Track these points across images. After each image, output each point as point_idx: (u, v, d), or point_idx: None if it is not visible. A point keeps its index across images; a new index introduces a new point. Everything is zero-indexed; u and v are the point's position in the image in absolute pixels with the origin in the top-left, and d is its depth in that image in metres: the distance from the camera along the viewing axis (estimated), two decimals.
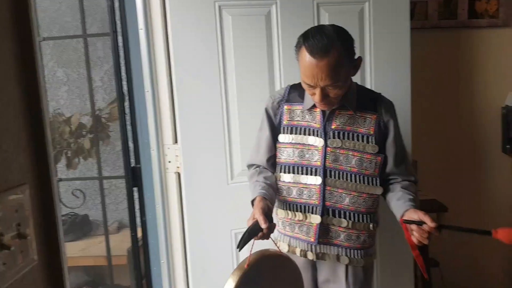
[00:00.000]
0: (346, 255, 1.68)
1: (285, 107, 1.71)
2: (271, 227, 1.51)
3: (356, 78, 2.03)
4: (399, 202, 1.63)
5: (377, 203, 1.70)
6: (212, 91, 2.00)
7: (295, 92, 1.70)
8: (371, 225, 1.68)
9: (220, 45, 1.98)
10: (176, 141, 2.04)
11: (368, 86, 2.09)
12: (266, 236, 1.51)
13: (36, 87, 0.72)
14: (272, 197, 1.67)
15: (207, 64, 1.98)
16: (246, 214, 1.78)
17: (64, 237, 2.26)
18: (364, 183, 1.64)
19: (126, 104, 2.07)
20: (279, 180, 1.73)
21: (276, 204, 1.76)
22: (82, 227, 2.92)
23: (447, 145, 2.80)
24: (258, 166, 1.79)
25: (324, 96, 1.52)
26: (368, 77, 2.10)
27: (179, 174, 2.05)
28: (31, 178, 0.70)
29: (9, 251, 0.61)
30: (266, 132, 1.75)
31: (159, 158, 2.03)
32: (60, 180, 2.31)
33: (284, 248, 1.75)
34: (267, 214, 1.53)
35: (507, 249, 2.89)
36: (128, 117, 2.07)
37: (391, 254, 2.19)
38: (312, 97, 1.57)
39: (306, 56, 1.48)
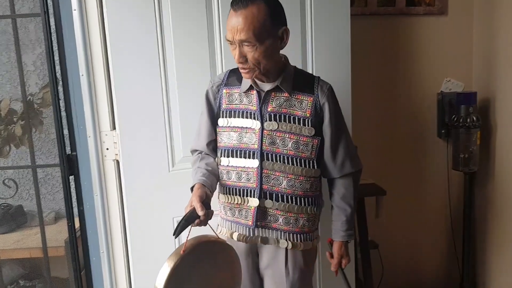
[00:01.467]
0: (285, 239, 1.69)
1: (224, 91, 1.71)
2: (208, 214, 1.53)
3: (297, 63, 2.06)
4: (334, 223, 1.78)
5: (315, 186, 1.71)
6: (151, 75, 1.94)
7: (234, 76, 1.71)
8: (309, 208, 1.69)
9: (159, 25, 1.92)
10: (114, 128, 1.97)
11: (309, 71, 2.10)
12: (203, 223, 1.53)
13: None
14: (212, 183, 1.67)
15: (146, 47, 1.92)
16: (187, 201, 1.76)
17: None
18: (301, 165, 1.65)
19: (60, 89, 1.97)
20: (220, 164, 1.73)
21: (218, 189, 1.76)
22: (16, 218, 2.78)
23: (386, 131, 2.88)
24: (201, 152, 1.78)
25: (241, 55, 1.53)
26: (310, 62, 2.11)
27: (117, 162, 1.99)
28: None
29: None
30: (205, 117, 1.75)
31: (96, 145, 1.97)
32: None
33: (225, 234, 1.75)
34: (205, 201, 1.55)
35: (443, 231, 3.03)
36: (62, 103, 1.97)
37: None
38: (234, 59, 1.57)
39: (230, 13, 1.52)
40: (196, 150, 1.80)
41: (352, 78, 2.18)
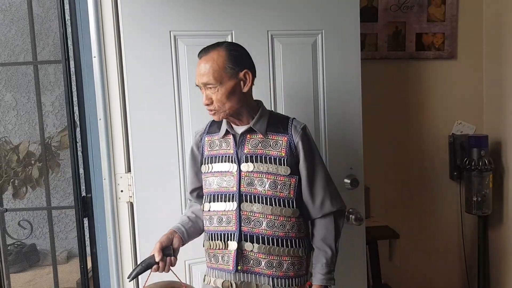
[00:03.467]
0: (268, 284, 1.66)
1: (206, 139, 1.77)
2: (166, 261, 1.60)
3: (309, 107, 2.10)
4: (314, 265, 1.71)
5: (298, 227, 1.68)
6: (166, 120, 1.98)
7: (215, 124, 1.77)
8: (292, 251, 1.66)
9: (175, 74, 1.98)
10: (129, 170, 2.00)
11: (320, 115, 2.13)
12: (162, 269, 1.60)
13: None
14: (189, 231, 1.74)
15: (162, 93, 1.97)
16: (201, 245, 1.77)
17: (10, 268, 2.14)
18: (279, 205, 1.65)
19: (78, 132, 2.02)
20: (203, 210, 1.75)
21: (203, 236, 1.78)
22: (29, 257, 2.81)
23: (398, 173, 2.89)
24: (190, 199, 1.87)
25: (207, 98, 1.62)
26: (322, 106, 2.14)
27: (131, 204, 2.01)
28: None
29: None
30: (189, 167, 1.83)
31: (111, 188, 1.99)
32: (6, 210, 2.21)
33: (210, 282, 1.73)
34: (166, 248, 1.62)
35: (457, 273, 2.98)
36: (79, 145, 2.02)
37: (343, 260, 2.18)
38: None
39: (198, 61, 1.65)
40: (189, 199, 1.89)
41: (363, 122, 2.21)
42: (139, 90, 1.94)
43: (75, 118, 2.01)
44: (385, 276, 2.64)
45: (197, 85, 1.65)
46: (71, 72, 2.00)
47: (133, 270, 1.56)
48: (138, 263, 1.56)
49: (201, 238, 1.80)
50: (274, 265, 1.65)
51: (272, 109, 2.05)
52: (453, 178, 2.89)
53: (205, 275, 1.78)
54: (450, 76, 2.88)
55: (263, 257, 1.65)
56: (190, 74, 1.99)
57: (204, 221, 1.75)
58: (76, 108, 2.02)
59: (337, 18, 2.12)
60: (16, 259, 2.71)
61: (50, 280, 2.51)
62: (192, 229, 1.75)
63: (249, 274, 1.67)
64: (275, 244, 1.64)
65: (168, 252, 1.60)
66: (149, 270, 1.59)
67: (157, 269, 1.59)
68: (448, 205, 2.93)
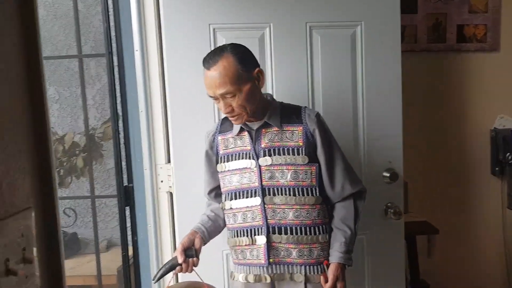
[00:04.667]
0: (301, 273, 1.67)
1: (219, 138, 1.77)
2: (188, 262, 1.62)
3: (347, 100, 2.10)
4: (332, 244, 1.69)
5: (323, 213, 1.70)
6: (205, 112, 2.01)
7: (227, 122, 1.76)
8: (321, 237, 1.68)
9: None
10: (168, 161, 2.04)
11: (359, 108, 2.11)
12: (185, 270, 1.63)
13: (42, 109, 0.73)
14: (211, 229, 1.76)
15: (201, 85, 1.98)
16: None
17: None
18: (303, 195, 1.66)
19: (120, 123, 2.07)
20: (225, 208, 1.76)
21: (227, 234, 1.79)
22: (70, 246, 2.89)
23: (437, 167, 2.84)
24: (208, 199, 1.88)
25: (227, 106, 1.60)
26: (360, 99, 2.12)
27: (171, 194, 2.05)
28: (35, 202, 0.70)
29: (15, 277, 0.61)
30: (204, 167, 1.83)
31: (151, 178, 2.04)
32: None
33: (240, 279, 1.75)
34: (188, 249, 1.65)
35: (498, 271, 2.92)
36: (121, 136, 2.08)
37: (381, 255, 2.17)
38: (221, 110, 1.65)
39: (204, 72, 1.61)
40: (207, 198, 1.90)
41: (403, 114, 2.18)
42: (179, 82, 1.98)
43: (118, 110, 2.07)
44: (423, 272, 2.61)
45: (211, 96, 1.63)
46: (114, 66, 2.06)
47: (158, 272, 1.62)
48: (162, 264, 1.61)
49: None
50: (305, 253, 1.67)
51: (310, 103, 2.05)
52: (494, 173, 2.83)
53: (232, 272, 1.81)
54: (492, 68, 2.81)
55: (293, 246, 1.66)
56: None
57: (226, 219, 1.77)
58: (118, 101, 2.07)
59: (377, 8, 2.09)
60: None
61: (91, 268, 2.59)
62: (212, 228, 1.77)
63: (281, 265, 1.68)
64: (303, 233, 1.66)
65: (190, 253, 1.64)
66: (173, 271, 1.63)
67: (180, 270, 1.63)
68: (489, 201, 2.87)
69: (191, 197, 2.02)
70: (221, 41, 1.99)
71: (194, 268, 1.66)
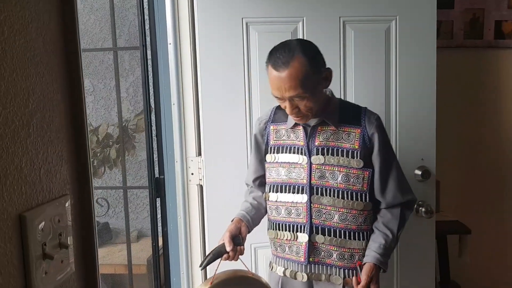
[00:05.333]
0: (339, 275, 1.63)
1: (271, 127, 1.73)
2: (236, 250, 1.58)
3: (380, 97, 2.07)
4: (369, 244, 1.63)
5: (370, 220, 1.65)
6: (236, 107, 2.02)
7: (280, 112, 1.70)
8: (365, 243, 1.63)
9: (246, 61, 2.01)
10: (199, 154, 2.06)
11: (392, 104, 2.09)
12: (232, 258, 1.58)
13: (79, 100, 0.75)
14: (253, 218, 1.72)
15: (233, 80, 2.01)
16: (265, 230, 1.79)
17: None
18: (352, 199, 1.61)
19: (153, 116, 2.10)
20: (268, 199, 1.73)
21: (267, 224, 1.77)
22: (102, 235, 2.95)
23: (471, 167, 2.78)
24: (251, 186, 1.84)
25: (294, 107, 1.54)
26: (393, 95, 2.10)
27: (201, 186, 2.07)
28: (72, 189, 0.72)
29: (51, 261, 0.63)
30: (252, 154, 1.80)
31: (182, 170, 2.06)
32: None
33: (278, 271, 1.73)
34: (235, 237, 1.60)
35: None
36: (153, 129, 2.11)
37: (411, 254, 2.15)
38: (285, 110, 1.58)
39: (271, 71, 1.53)
40: (248, 184, 1.86)
41: (437, 112, 2.14)
42: (211, 76, 1.99)
43: (150, 103, 2.10)
44: (454, 273, 2.56)
45: (276, 96, 1.57)
46: (148, 59, 2.08)
47: (204, 259, 1.58)
48: (208, 252, 1.59)
49: (264, 223, 1.80)
50: (346, 257, 1.63)
51: (342, 98, 2.03)
52: None
53: (271, 262, 1.79)
54: None
55: (335, 249, 1.62)
56: (260, 62, 2.01)
57: (269, 210, 1.74)
58: (151, 93, 2.10)
59: (412, 3, 2.06)
60: None
61: (122, 257, 2.65)
62: (256, 216, 1.74)
63: (319, 266, 1.65)
64: (347, 237, 1.62)
65: (238, 241, 1.61)
66: (219, 259, 1.59)
67: (227, 258, 1.58)
68: None
69: (221, 190, 2.04)
70: (254, 35, 2.00)
71: (240, 256, 1.62)
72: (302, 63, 1.50)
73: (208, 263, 1.57)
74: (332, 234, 1.61)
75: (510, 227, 2.82)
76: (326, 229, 1.62)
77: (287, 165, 1.67)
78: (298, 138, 1.66)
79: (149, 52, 2.08)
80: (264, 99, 2.03)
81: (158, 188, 2.13)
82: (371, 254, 1.61)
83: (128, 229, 2.27)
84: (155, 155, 2.14)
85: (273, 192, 1.71)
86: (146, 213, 3.04)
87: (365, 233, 1.64)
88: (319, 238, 1.63)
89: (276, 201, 1.70)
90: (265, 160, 1.75)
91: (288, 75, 1.49)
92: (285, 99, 1.54)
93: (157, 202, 2.16)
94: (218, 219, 2.04)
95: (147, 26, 2.07)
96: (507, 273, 2.84)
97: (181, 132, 2.04)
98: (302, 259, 1.65)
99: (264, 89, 2.02)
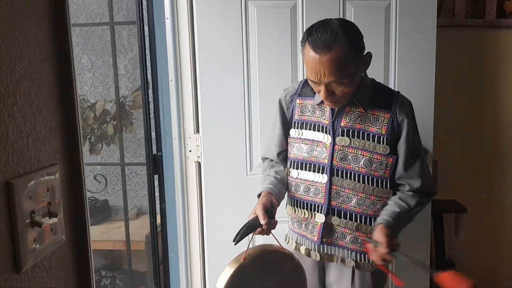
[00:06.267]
0: (352, 258, 1.62)
1: (297, 101, 1.67)
2: (271, 223, 1.50)
3: (379, 75, 2.05)
4: (382, 212, 1.57)
5: None
6: (235, 83, 2.01)
7: (308, 86, 1.62)
8: None
9: (245, 37, 1.99)
10: (197, 131, 2.06)
11: (391, 83, 2.08)
12: (265, 232, 1.50)
13: (69, 72, 0.74)
14: (280, 192, 1.65)
15: (231, 56, 1.99)
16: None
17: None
18: (372, 185, 1.57)
19: (150, 92, 2.09)
20: (289, 175, 1.70)
21: (285, 199, 1.74)
22: (102, 212, 2.97)
23: (469, 146, 2.77)
24: (272, 160, 1.77)
25: (329, 93, 1.47)
26: (392, 74, 2.09)
27: (199, 164, 2.08)
28: (62, 160, 0.72)
29: (40, 229, 0.63)
30: (277, 126, 1.72)
31: (180, 147, 2.06)
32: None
33: (292, 245, 1.74)
34: (268, 210, 1.52)
35: None
36: (151, 106, 2.10)
37: (406, 232, 2.14)
38: (318, 94, 1.53)
39: (309, 51, 1.43)
40: (267, 158, 1.79)
41: (435, 92, 2.13)
42: (209, 52, 1.98)
43: (148, 79, 2.08)
44: (449, 251, 2.58)
45: (311, 80, 1.48)
46: (145, 34, 2.06)
47: (238, 233, 1.50)
48: (242, 225, 1.49)
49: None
50: (359, 241, 1.61)
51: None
52: None
53: (287, 235, 1.78)
54: None
55: (349, 232, 1.61)
56: (259, 38, 2.00)
57: (289, 186, 1.70)
58: (149, 70, 2.09)
59: None
60: (91, 212, 2.88)
61: (121, 234, 2.66)
62: (281, 191, 1.67)
63: (332, 247, 1.64)
64: (363, 222, 1.59)
65: (271, 214, 1.53)
66: (252, 233, 1.52)
67: (261, 232, 1.51)
68: None
69: (219, 168, 2.04)
70: (252, 11, 1.98)
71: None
72: (345, 47, 1.40)
73: (242, 237, 1.49)
74: (348, 217, 1.59)
75: (505, 208, 2.83)
76: (343, 211, 1.59)
77: (310, 142, 1.62)
78: (324, 116, 1.60)
79: (146, 28, 2.06)
80: (263, 75, 2.02)
81: (156, 165, 2.13)
82: (382, 217, 1.55)
83: (126, 206, 2.28)
84: (153, 132, 2.13)
85: (293, 168, 1.67)
86: (145, 191, 3.05)
87: None
88: (335, 220, 1.60)
89: (296, 177, 1.66)
90: (289, 135, 1.69)
91: (329, 60, 1.40)
92: (321, 83, 1.46)
93: (155, 179, 2.16)
94: (216, 197, 2.06)
95: (144, 1, 2.05)
96: (500, 251, 2.87)
97: (179, 109, 2.04)
98: (316, 239, 1.64)
99: (263, 64, 2.01)
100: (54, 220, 0.66)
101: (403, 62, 2.08)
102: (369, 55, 1.52)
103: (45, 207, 0.65)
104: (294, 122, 1.67)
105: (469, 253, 2.79)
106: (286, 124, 1.70)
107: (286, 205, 1.76)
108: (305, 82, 1.66)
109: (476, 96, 2.74)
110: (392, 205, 1.58)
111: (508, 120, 2.76)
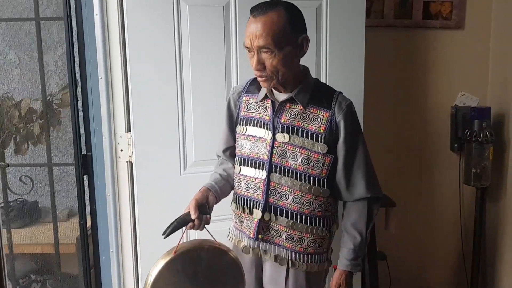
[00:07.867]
0: (285, 257, 1.64)
1: (244, 98, 1.70)
2: (202, 218, 1.53)
3: (311, 72, 2.09)
4: (341, 249, 1.66)
5: (325, 206, 1.63)
6: (167, 81, 1.98)
7: (254, 84, 1.67)
8: (315, 229, 1.62)
9: (177, 34, 1.96)
10: (129, 130, 2.01)
11: (322, 81, 2.12)
12: (197, 227, 1.53)
13: None
14: (222, 189, 1.69)
15: (163, 53, 1.96)
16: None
17: (11, 223, 2.18)
18: (309, 183, 1.58)
19: (79, 90, 2.02)
20: (235, 172, 1.72)
21: (232, 196, 1.76)
22: (31, 214, 2.84)
23: (398, 142, 2.88)
24: (221, 157, 1.81)
25: (260, 62, 1.49)
26: (324, 72, 2.13)
27: (131, 163, 2.03)
28: None
29: None
30: (224, 124, 1.76)
31: (111, 147, 2.01)
32: (8, 165, 2.24)
33: (233, 241, 1.75)
34: (202, 206, 1.55)
35: (453, 244, 3.02)
36: (80, 104, 2.03)
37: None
38: (252, 67, 1.53)
39: (249, 19, 1.50)
40: (218, 156, 1.84)
41: (365, 90, 2.19)
42: (141, 49, 1.94)
43: (76, 76, 2.01)
44: (380, 244, 2.67)
45: (246, 47, 1.51)
46: (73, 30, 1.99)
47: (168, 227, 1.50)
48: (172, 220, 1.51)
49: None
50: (295, 240, 1.62)
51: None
52: (453, 149, 2.89)
53: (229, 232, 1.78)
54: (456, 46, 2.84)
55: (285, 230, 1.62)
56: (191, 36, 1.98)
57: (234, 182, 1.73)
58: (77, 66, 2.02)
59: None
60: (18, 215, 2.75)
61: (51, 236, 2.56)
62: (224, 188, 1.71)
63: (268, 244, 1.65)
64: (298, 220, 1.60)
65: (204, 210, 1.55)
66: (183, 227, 1.54)
67: (192, 227, 1.53)
68: (447, 176, 2.94)
69: (152, 167, 2.01)
70: (184, 8, 1.96)
71: (205, 226, 1.57)
72: (281, 15, 1.46)
73: (172, 231, 1.50)
74: (284, 215, 1.60)
75: (434, 200, 2.97)
76: (279, 209, 1.61)
77: (252, 138, 1.64)
78: (266, 112, 1.62)
79: (75, 23, 1.99)
80: (196, 71, 2.00)
81: (85, 165, 2.06)
82: (342, 262, 1.65)
83: (54, 208, 2.19)
84: (82, 131, 2.06)
85: (238, 164, 1.69)
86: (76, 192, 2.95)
87: (317, 219, 1.62)
88: (272, 217, 1.62)
89: (239, 173, 1.68)
90: (236, 132, 1.71)
91: (262, 22, 1.45)
92: (253, 51, 1.49)
93: (85, 180, 2.10)
94: (148, 197, 2.02)
95: None
96: (430, 243, 3.01)
97: (109, 107, 1.98)
98: (252, 235, 1.65)
99: (196, 61, 1.99)
100: None
101: (333, 61, 2.13)
102: (307, 38, 1.55)
103: None
104: (240, 119, 1.69)
105: (399, 246, 2.90)
106: (233, 121, 1.73)
107: (231, 202, 1.77)
108: (253, 80, 1.69)
109: (405, 93, 2.85)
110: (346, 240, 1.64)
111: (435, 116, 2.89)
